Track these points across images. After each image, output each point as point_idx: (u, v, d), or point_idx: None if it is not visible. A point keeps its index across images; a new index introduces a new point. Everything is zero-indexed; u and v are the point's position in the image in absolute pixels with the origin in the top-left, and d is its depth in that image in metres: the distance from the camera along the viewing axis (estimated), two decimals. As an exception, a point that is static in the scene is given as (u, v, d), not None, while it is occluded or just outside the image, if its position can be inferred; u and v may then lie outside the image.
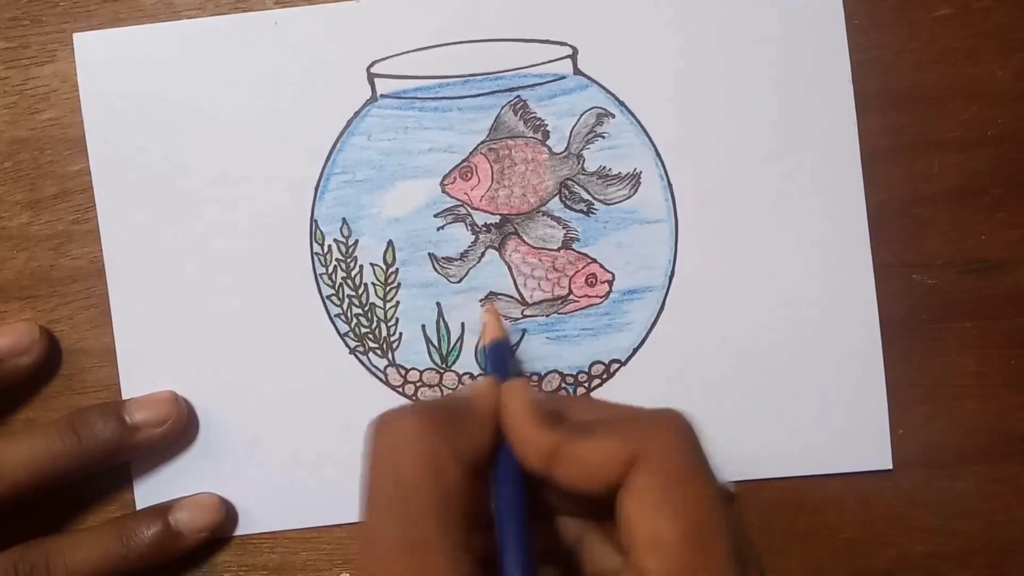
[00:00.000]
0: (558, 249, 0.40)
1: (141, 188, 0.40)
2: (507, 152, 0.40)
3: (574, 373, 0.40)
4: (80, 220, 0.40)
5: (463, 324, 0.40)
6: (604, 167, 0.40)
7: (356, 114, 0.40)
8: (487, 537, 0.26)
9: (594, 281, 0.40)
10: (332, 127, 0.40)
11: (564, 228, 0.40)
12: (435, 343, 0.40)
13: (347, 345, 0.40)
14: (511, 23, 0.40)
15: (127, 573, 0.37)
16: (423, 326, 0.40)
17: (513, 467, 0.28)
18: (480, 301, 0.40)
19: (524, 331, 0.40)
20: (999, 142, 0.40)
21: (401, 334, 0.40)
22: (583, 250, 0.40)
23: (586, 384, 0.40)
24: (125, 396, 0.39)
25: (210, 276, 0.40)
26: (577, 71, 0.40)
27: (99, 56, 0.40)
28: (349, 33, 0.40)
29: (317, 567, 0.40)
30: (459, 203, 0.40)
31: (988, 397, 0.40)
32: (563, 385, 0.40)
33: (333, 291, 0.40)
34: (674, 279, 0.40)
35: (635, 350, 0.40)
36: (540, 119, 0.40)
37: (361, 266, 0.40)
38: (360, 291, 0.40)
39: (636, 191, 0.40)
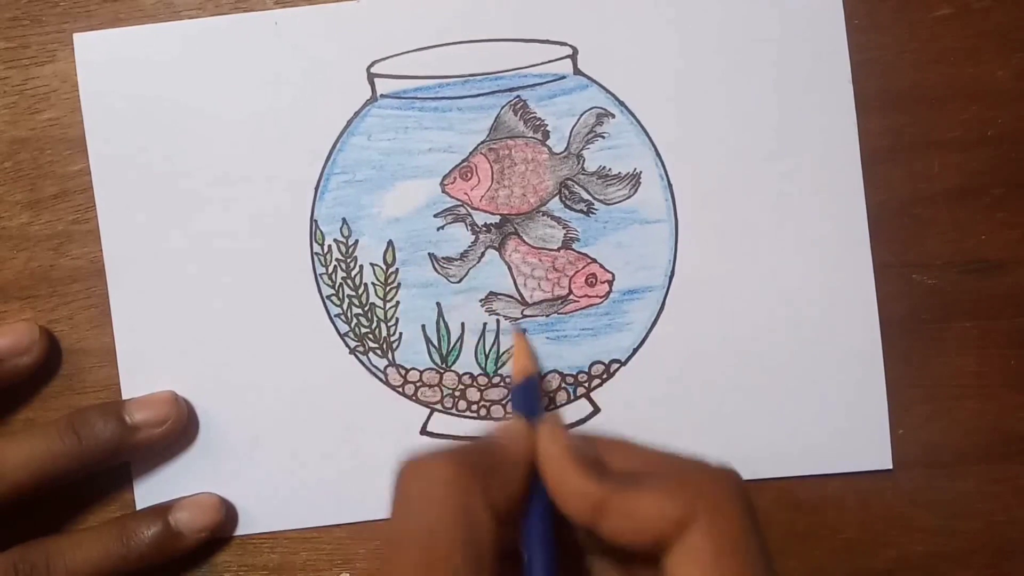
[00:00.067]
0: (558, 249, 0.40)
1: (141, 188, 0.40)
2: (507, 152, 0.40)
3: (574, 373, 0.40)
4: (80, 220, 0.40)
5: (463, 324, 0.40)
6: (604, 167, 0.40)
7: (356, 114, 0.40)
8: (515, 573, 0.26)
9: (594, 281, 0.40)
10: (332, 127, 0.40)
11: (564, 228, 0.40)
12: (435, 343, 0.40)
13: (347, 345, 0.40)
14: (511, 23, 0.40)
15: (127, 573, 0.37)
16: (423, 326, 0.40)
17: (543, 508, 0.27)
18: (511, 326, 0.39)
19: (524, 331, 0.40)
20: (999, 142, 0.40)
21: (401, 334, 0.40)
22: (583, 250, 0.40)
23: (586, 384, 0.40)
24: (125, 396, 0.39)
25: (210, 276, 0.40)
26: (577, 71, 0.40)
27: (99, 56, 0.40)
28: (349, 33, 0.40)
29: (317, 567, 0.40)
30: (459, 203, 0.40)
31: (988, 397, 0.40)
32: (563, 385, 0.40)
33: (333, 291, 0.40)
34: (674, 279, 0.40)
35: (635, 350, 0.40)
36: (540, 119, 0.40)
37: (361, 266, 0.40)
38: (360, 291, 0.40)
39: (636, 191, 0.40)
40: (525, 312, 0.40)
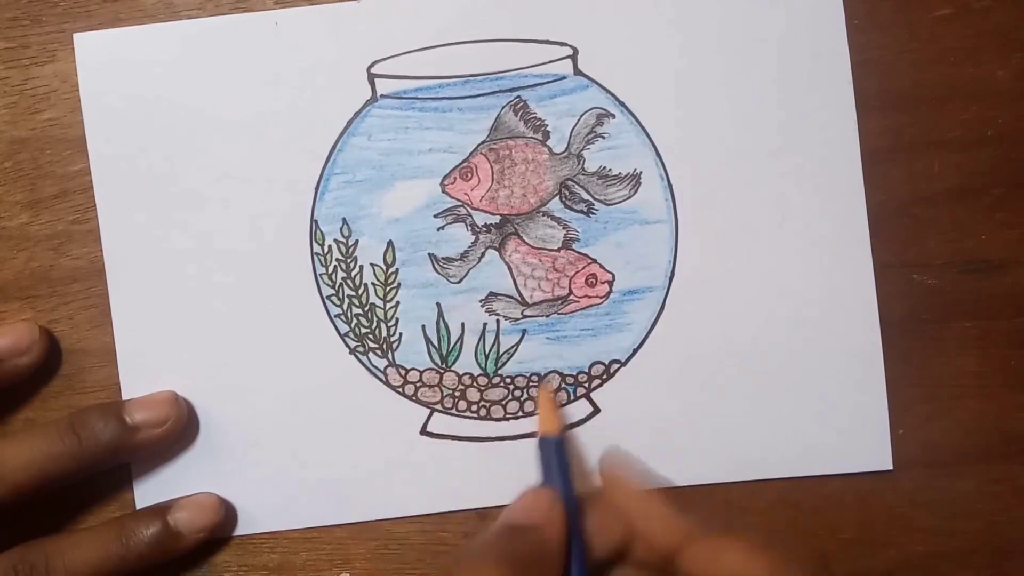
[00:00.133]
0: (558, 249, 0.40)
1: (141, 188, 0.40)
2: (507, 152, 0.40)
3: (574, 373, 0.40)
4: (80, 220, 0.40)
5: (463, 324, 0.40)
6: (604, 167, 0.40)
7: (356, 114, 0.40)
8: None
9: (594, 281, 0.40)
10: (332, 127, 0.40)
11: (564, 228, 0.40)
12: (435, 343, 0.40)
13: (347, 345, 0.40)
14: (511, 23, 0.40)
15: (126, 573, 0.37)
16: (423, 326, 0.40)
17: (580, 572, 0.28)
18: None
19: (524, 331, 0.40)
20: (999, 142, 0.40)
21: (401, 334, 0.40)
22: (583, 250, 0.40)
23: (586, 384, 0.40)
24: (125, 396, 0.39)
25: (210, 276, 0.40)
26: (577, 71, 0.40)
27: (99, 56, 0.40)
28: (349, 33, 0.40)
29: (317, 567, 0.40)
30: (459, 203, 0.40)
31: (988, 397, 0.40)
32: (563, 385, 0.40)
33: (333, 291, 0.40)
34: (674, 279, 0.40)
35: (635, 350, 0.40)
36: (540, 119, 0.40)
37: (361, 266, 0.40)
38: (360, 291, 0.40)
39: (636, 191, 0.40)
40: (525, 312, 0.40)
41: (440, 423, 0.40)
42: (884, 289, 0.39)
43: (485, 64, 0.40)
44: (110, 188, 0.40)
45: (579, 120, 0.40)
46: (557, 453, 0.35)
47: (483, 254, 0.40)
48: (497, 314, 0.40)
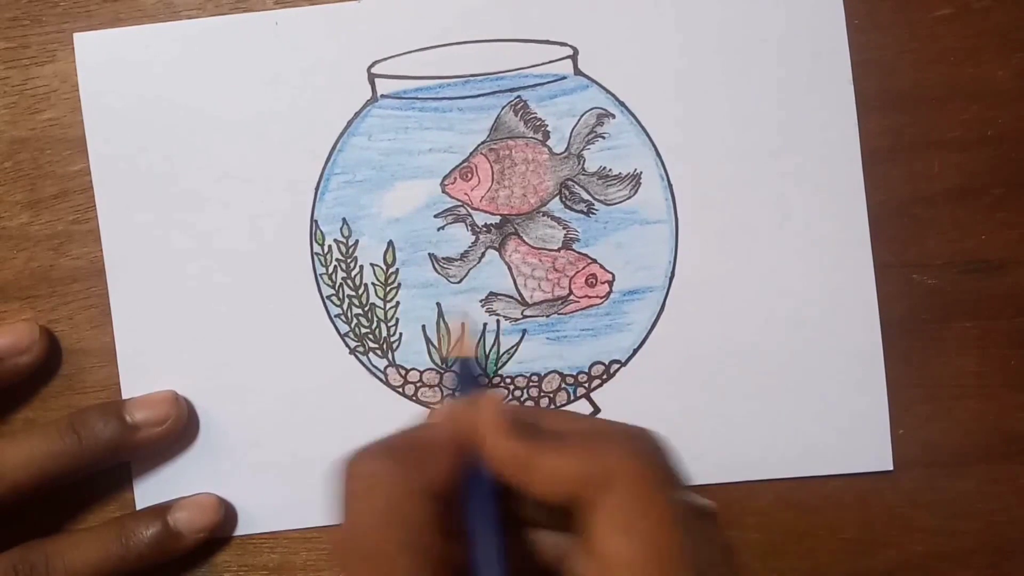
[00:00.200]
0: (558, 249, 0.40)
1: (141, 188, 0.40)
2: (507, 152, 0.40)
3: (574, 373, 0.40)
4: (80, 220, 0.40)
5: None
6: (604, 167, 0.40)
7: (356, 114, 0.40)
8: (462, 554, 0.26)
9: (594, 281, 0.40)
10: (332, 127, 0.40)
11: (564, 228, 0.40)
12: (435, 343, 0.40)
13: (347, 345, 0.40)
14: (511, 23, 0.40)
15: (126, 573, 0.37)
16: (423, 326, 0.40)
17: (485, 484, 0.27)
18: (457, 315, 0.40)
19: (524, 331, 0.40)
20: (999, 142, 0.40)
21: (401, 334, 0.40)
22: (583, 250, 0.40)
23: (586, 384, 0.40)
24: (125, 396, 0.39)
25: (210, 276, 0.40)
26: (577, 71, 0.40)
27: (99, 56, 0.40)
28: (349, 33, 0.40)
29: (317, 567, 0.40)
30: (459, 203, 0.40)
31: (988, 397, 0.40)
32: (563, 385, 0.40)
33: (333, 291, 0.40)
34: (674, 279, 0.40)
35: (635, 350, 0.40)
36: (540, 119, 0.40)
37: (361, 266, 0.40)
38: (360, 291, 0.40)
39: (636, 191, 0.40)
40: (525, 312, 0.40)
41: (440, 423, 0.40)
42: (884, 289, 0.39)
43: (485, 64, 0.40)
44: (110, 188, 0.40)
45: (579, 120, 0.40)
46: (468, 372, 0.35)
47: (483, 254, 0.40)
48: (497, 314, 0.40)
